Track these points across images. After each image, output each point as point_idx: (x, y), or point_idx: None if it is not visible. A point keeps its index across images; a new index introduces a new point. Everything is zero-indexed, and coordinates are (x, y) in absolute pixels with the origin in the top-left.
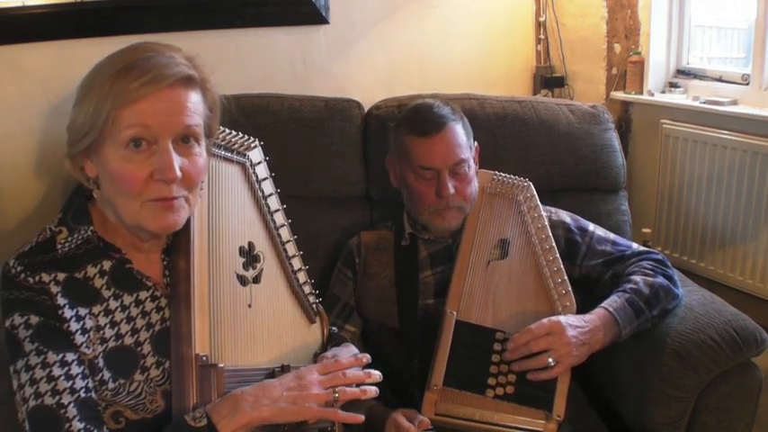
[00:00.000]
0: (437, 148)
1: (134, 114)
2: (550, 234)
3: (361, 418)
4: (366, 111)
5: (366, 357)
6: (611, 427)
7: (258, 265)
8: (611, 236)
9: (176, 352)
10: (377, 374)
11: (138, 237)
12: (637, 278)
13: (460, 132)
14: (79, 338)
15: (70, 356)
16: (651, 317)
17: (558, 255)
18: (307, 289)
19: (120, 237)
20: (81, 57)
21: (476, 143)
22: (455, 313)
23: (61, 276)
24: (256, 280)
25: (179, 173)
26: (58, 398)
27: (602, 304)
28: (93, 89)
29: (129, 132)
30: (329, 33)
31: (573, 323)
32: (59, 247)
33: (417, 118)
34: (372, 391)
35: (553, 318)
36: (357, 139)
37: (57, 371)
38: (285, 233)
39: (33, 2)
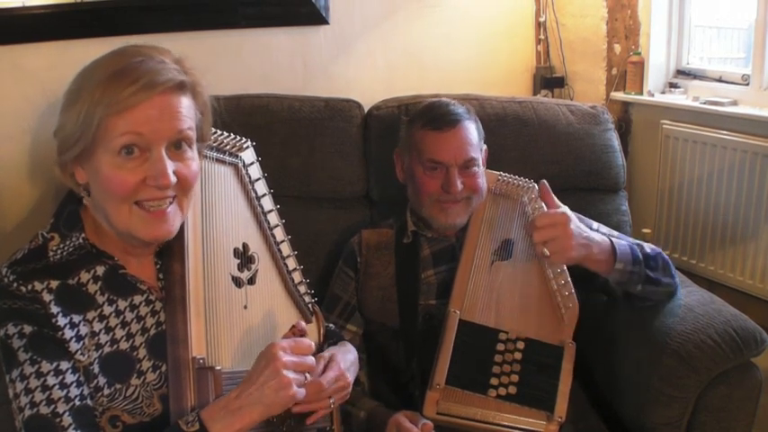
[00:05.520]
0: (449, 143)
1: (126, 122)
2: None
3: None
4: (366, 111)
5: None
6: (612, 427)
7: (253, 267)
8: (615, 234)
9: (173, 355)
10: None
11: (131, 244)
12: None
13: (473, 132)
14: (74, 346)
15: (64, 365)
16: (644, 274)
17: None
18: (302, 289)
19: (113, 243)
20: (81, 57)
21: (485, 146)
22: (458, 312)
23: (54, 284)
24: (251, 281)
25: (173, 178)
26: (53, 407)
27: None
28: (82, 95)
29: (121, 140)
30: (329, 34)
31: (577, 222)
32: (51, 254)
33: (433, 113)
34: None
35: (560, 209)
36: (357, 139)
37: (51, 380)
38: (279, 233)
39: (33, 2)
